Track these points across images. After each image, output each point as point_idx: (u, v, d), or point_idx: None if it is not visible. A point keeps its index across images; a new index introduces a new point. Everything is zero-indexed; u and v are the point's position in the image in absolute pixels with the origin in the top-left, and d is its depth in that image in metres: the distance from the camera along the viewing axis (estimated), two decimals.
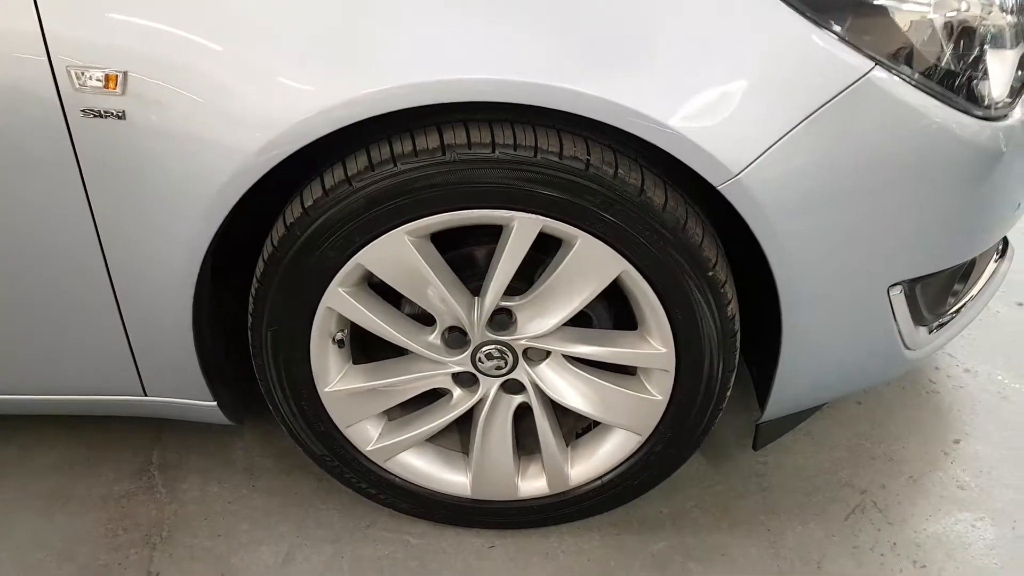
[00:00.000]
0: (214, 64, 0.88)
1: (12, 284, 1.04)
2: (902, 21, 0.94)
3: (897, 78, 0.93)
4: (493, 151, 0.91)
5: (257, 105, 0.88)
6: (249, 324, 1.07)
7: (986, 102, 1.02)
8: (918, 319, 1.16)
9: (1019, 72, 1.09)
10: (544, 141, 0.91)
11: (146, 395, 1.16)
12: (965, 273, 1.26)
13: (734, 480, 1.35)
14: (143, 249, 0.99)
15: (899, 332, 1.13)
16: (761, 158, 0.90)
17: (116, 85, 0.88)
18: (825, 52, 0.90)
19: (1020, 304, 1.76)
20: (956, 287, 1.26)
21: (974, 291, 1.29)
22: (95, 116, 0.89)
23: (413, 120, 0.91)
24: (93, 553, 1.26)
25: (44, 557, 1.25)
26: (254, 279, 1.03)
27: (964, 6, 0.98)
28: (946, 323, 1.23)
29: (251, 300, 1.05)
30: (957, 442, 1.44)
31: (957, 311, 1.24)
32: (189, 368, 1.11)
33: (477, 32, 0.86)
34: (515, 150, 0.91)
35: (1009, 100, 1.06)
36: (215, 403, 1.16)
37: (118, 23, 0.88)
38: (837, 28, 0.90)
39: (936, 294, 1.19)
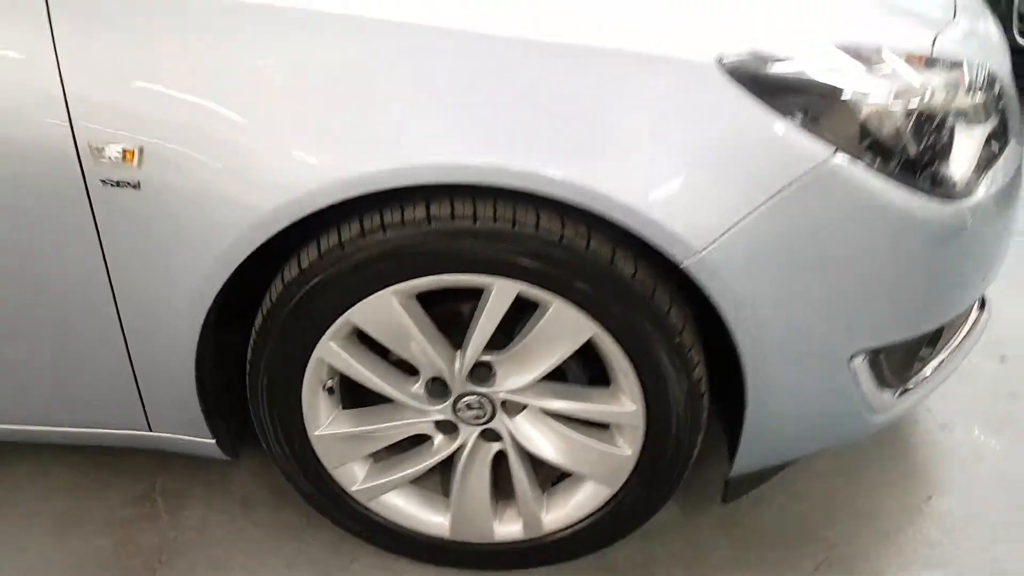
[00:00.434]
0: (227, 137, 0.96)
1: (32, 328, 1.12)
2: (862, 111, 1.00)
3: (857, 165, 0.99)
4: (474, 223, 0.98)
5: (266, 177, 0.96)
6: (247, 371, 1.15)
7: (949, 184, 1.08)
8: (883, 384, 1.22)
9: (986, 147, 1.16)
10: (522, 215, 0.98)
11: (151, 430, 1.24)
12: (934, 338, 1.31)
13: (707, 531, 1.41)
14: (152, 300, 1.07)
15: (863, 397, 1.19)
16: (722, 238, 0.97)
17: (133, 159, 0.96)
18: (785, 139, 0.96)
19: (1002, 358, 1.80)
20: (923, 352, 1.31)
21: (944, 354, 1.35)
22: (112, 186, 0.98)
23: (404, 191, 0.99)
24: (101, 562, 1.34)
25: (57, 563, 1.34)
26: (253, 331, 1.11)
27: (927, 95, 1.05)
28: (913, 388, 1.29)
29: (250, 349, 1.12)
30: (930, 498, 1.49)
31: (925, 375, 1.30)
32: (191, 408, 1.19)
33: (460, 122, 0.94)
34: (495, 222, 0.98)
35: (975, 176, 1.12)
36: (214, 441, 1.24)
37: (136, 95, 0.97)
38: (798, 116, 0.97)
39: (902, 360, 1.24)
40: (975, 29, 1.24)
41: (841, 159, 0.98)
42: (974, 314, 1.41)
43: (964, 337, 1.38)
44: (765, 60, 0.97)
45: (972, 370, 1.73)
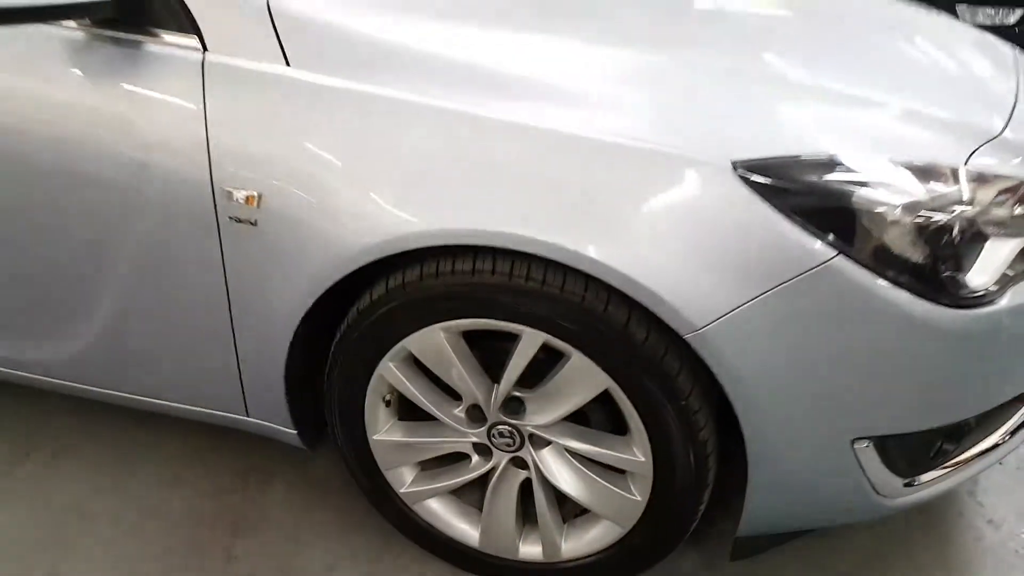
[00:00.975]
0: (326, 191, 1.18)
1: (167, 323, 1.40)
2: (866, 217, 1.09)
3: (858, 267, 1.09)
4: (510, 279, 1.16)
5: (356, 226, 1.18)
6: (325, 378, 1.37)
7: (961, 292, 1.14)
8: (896, 471, 1.28)
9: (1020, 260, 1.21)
10: (551, 277, 1.14)
11: (248, 416, 1.50)
12: (955, 432, 1.35)
13: None
14: (256, 312, 1.32)
15: (869, 481, 1.26)
16: (722, 319, 1.09)
17: (254, 203, 1.21)
18: (787, 238, 1.08)
19: None
20: (947, 445, 1.35)
21: (974, 450, 1.38)
22: (237, 222, 1.23)
23: (458, 247, 1.18)
24: (194, 529, 1.61)
25: (160, 524, 1.62)
26: (332, 346, 1.34)
27: (936, 207, 1.12)
28: (928, 482, 1.33)
29: (328, 361, 1.35)
30: None
31: (938, 476, 1.34)
32: (279, 401, 1.43)
33: (509, 198, 1.12)
34: (527, 281, 1.15)
35: (997, 287, 1.18)
36: (295, 431, 1.48)
37: (260, 154, 1.21)
38: (802, 218, 1.08)
39: (917, 450, 1.30)
40: (1020, 139, 1.28)
41: (841, 261, 1.08)
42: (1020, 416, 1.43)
43: (1003, 435, 1.41)
44: (776, 166, 1.09)
45: None
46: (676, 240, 1.09)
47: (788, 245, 1.08)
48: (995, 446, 1.39)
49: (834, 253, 1.08)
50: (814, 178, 1.10)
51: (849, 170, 1.11)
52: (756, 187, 1.08)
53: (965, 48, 1.66)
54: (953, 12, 3.71)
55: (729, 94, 1.23)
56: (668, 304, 1.09)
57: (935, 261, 1.13)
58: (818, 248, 1.08)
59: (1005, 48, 1.69)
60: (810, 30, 1.61)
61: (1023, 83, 1.49)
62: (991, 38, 1.77)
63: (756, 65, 1.35)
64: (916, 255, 1.11)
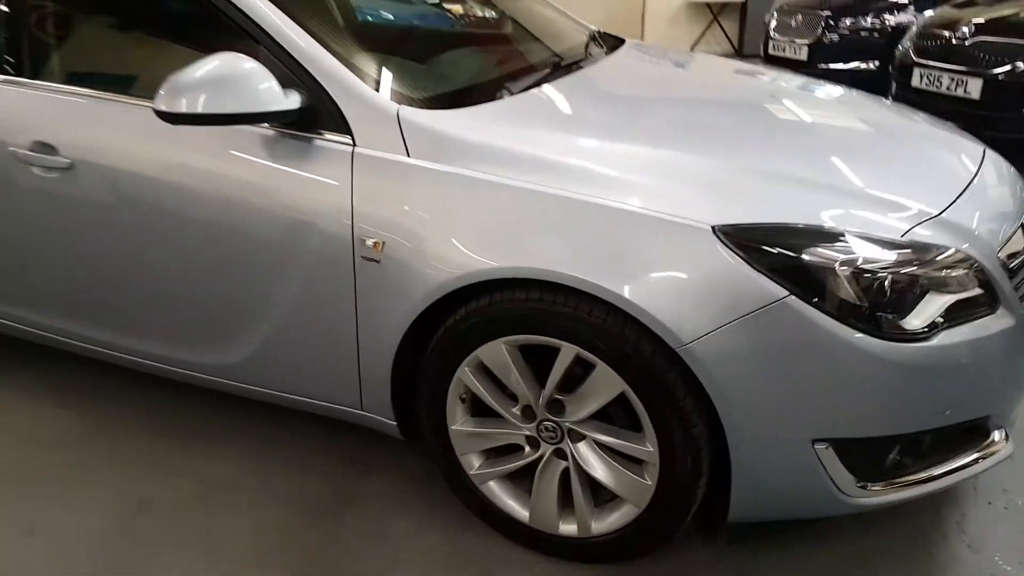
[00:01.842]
0: (424, 239, 1.69)
1: (310, 333, 1.92)
2: (814, 268, 1.50)
3: (807, 306, 1.49)
4: (553, 305, 1.61)
5: (444, 263, 1.67)
6: (419, 381, 1.85)
7: (893, 329, 1.51)
8: (858, 473, 1.62)
9: (954, 309, 1.57)
10: (584, 305, 1.58)
11: (362, 410, 1.98)
12: (914, 447, 1.67)
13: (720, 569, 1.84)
14: (375, 326, 1.81)
15: (831, 479, 1.61)
16: (703, 337, 1.50)
17: (380, 248, 1.73)
18: (751, 280, 1.49)
19: None
20: (906, 459, 1.68)
21: (934, 471, 1.70)
22: (367, 260, 1.75)
23: (518, 280, 1.65)
24: (314, 501, 2.09)
25: (288, 496, 2.10)
26: (426, 355, 1.81)
27: (871, 267, 1.51)
28: (893, 486, 1.66)
29: (422, 366, 1.83)
30: None
31: (904, 483, 1.66)
32: (385, 398, 1.91)
33: (557, 246, 1.58)
34: (565, 307, 1.60)
35: (927, 330, 1.54)
36: (395, 423, 1.95)
37: (399, 213, 1.73)
38: (764, 267, 1.49)
39: (874, 456, 1.64)
40: (962, 220, 1.65)
41: (793, 300, 1.48)
42: (988, 443, 1.75)
43: (966, 460, 1.72)
44: (743, 229, 1.52)
45: (1016, 504, 1.98)
46: (673, 280, 1.53)
47: (751, 287, 1.49)
48: (949, 472, 1.71)
49: (786, 294, 1.48)
50: (772, 238, 1.51)
51: (802, 233, 1.52)
52: (728, 244, 1.51)
53: (937, 146, 2.06)
54: None
55: (730, 182, 1.67)
56: (664, 325, 1.51)
57: (870, 304, 1.51)
58: (773, 289, 1.49)
59: (974, 146, 2.06)
60: (809, 135, 2.04)
61: (980, 176, 1.87)
62: (964, 138, 2.14)
63: (761, 163, 1.78)
64: (852, 298, 1.50)
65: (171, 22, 2.20)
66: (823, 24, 6.90)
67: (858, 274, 1.51)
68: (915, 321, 1.55)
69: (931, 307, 1.57)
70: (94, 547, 1.96)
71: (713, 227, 1.52)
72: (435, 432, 1.88)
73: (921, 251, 1.57)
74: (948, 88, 4.78)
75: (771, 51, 7.47)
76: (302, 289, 1.87)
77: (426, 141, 1.73)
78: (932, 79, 4.89)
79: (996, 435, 1.77)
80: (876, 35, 6.64)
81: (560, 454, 1.79)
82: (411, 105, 1.80)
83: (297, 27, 1.83)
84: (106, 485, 2.17)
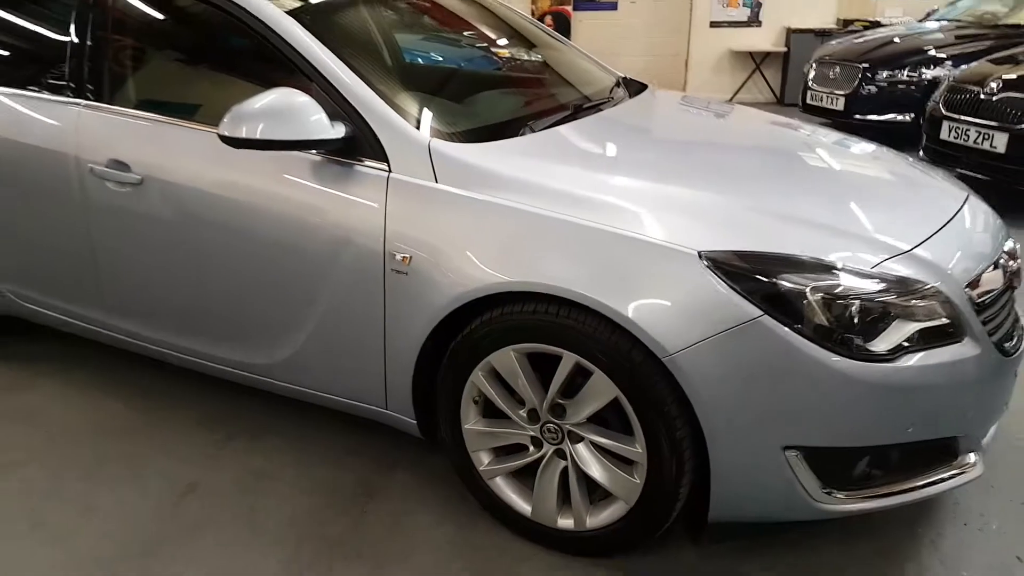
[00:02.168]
0: (445, 255, 1.92)
1: (340, 338, 2.15)
2: (786, 292, 1.68)
3: (779, 325, 1.67)
4: (556, 317, 1.81)
5: (461, 277, 1.90)
6: (437, 384, 2.06)
7: (860, 351, 1.69)
8: (827, 481, 1.78)
9: (921, 337, 1.74)
10: (581, 317, 1.79)
11: (387, 409, 2.20)
12: (881, 460, 1.83)
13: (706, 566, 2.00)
14: (400, 331, 2.04)
15: (802, 485, 1.77)
16: (686, 349, 1.69)
17: (407, 262, 1.96)
18: (730, 301, 1.68)
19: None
20: (874, 471, 1.83)
21: (902, 486, 1.85)
22: (396, 272, 1.99)
23: (526, 293, 1.86)
24: (341, 492, 2.30)
25: (319, 487, 2.32)
26: (444, 359, 2.03)
27: (839, 294, 1.69)
28: (862, 496, 1.81)
29: (441, 369, 2.04)
30: None
31: (873, 495, 1.82)
32: (407, 399, 2.13)
33: (561, 265, 1.79)
34: (567, 319, 1.80)
35: (891, 353, 1.71)
36: (415, 422, 2.16)
37: (411, 233, 1.97)
38: (740, 288, 1.69)
39: (841, 465, 1.79)
40: (932, 256, 1.82)
41: (766, 320, 1.67)
42: (956, 464, 1.89)
43: (926, 483, 1.87)
44: (724, 255, 1.71)
45: (990, 528, 2.10)
46: (662, 297, 1.73)
47: (730, 306, 1.69)
48: (916, 488, 1.86)
49: (760, 314, 1.67)
50: (749, 264, 1.71)
51: (777, 260, 1.71)
52: (711, 268, 1.70)
53: (920, 191, 2.24)
54: None
55: (721, 215, 1.87)
56: (651, 337, 1.71)
57: (839, 327, 1.69)
58: (749, 309, 1.68)
59: (958, 192, 2.23)
60: (802, 177, 2.24)
61: (957, 218, 2.04)
62: (951, 185, 2.32)
63: (752, 199, 1.98)
64: (822, 321, 1.68)
65: (234, 58, 2.50)
66: (860, 76, 7.07)
67: (828, 299, 1.69)
68: (881, 344, 1.72)
69: (897, 333, 1.74)
70: (146, 523, 2.20)
71: (699, 252, 1.72)
72: (451, 430, 2.09)
73: (888, 282, 1.75)
74: (975, 141, 4.91)
75: (809, 101, 7.66)
76: (338, 297, 2.10)
77: (452, 169, 1.97)
78: (960, 132, 5.03)
79: (966, 457, 1.92)
80: (912, 88, 6.79)
81: (560, 454, 1.98)
82: (442, 138, 2.04)
83: (344, 67, 2.10)
84: (158, 471, 2.41)
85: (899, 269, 1.78)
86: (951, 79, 5.38)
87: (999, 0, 7.69)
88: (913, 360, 1.73)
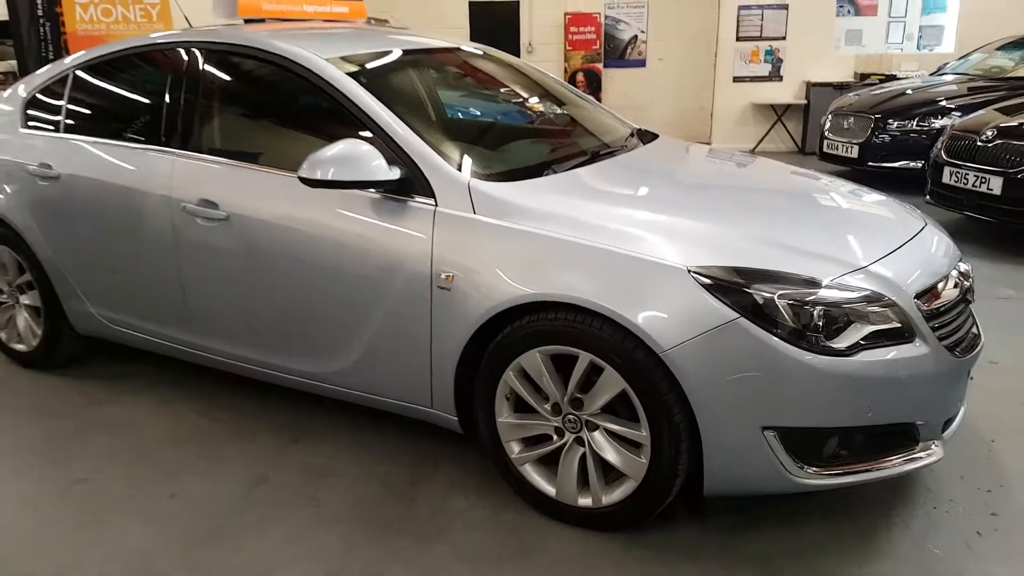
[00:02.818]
0: (480, 273, 2.33)
1: (393, 350, 2.55)
2: (758, 298, 2.06)
3: (752, 325, 2.04)
4: (573, 323, 2.20)
5: (494, 291, 2.30)
6: (475, 384, 2.45)
7: (822, 347, 2.05)
8: (800, 457, 2.13)
9: (874, 337, 2.09)
10: (596, 322, 2.17)
11: (432, 408, 2.59)
12: (846, 441, 2.16)
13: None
14: (443, 338, 2.43)
15: (780, 461, 2.11)
16: (678, 346, 2.07)
17: (450, 280, 2.37)
18: (712, 306, 2.06)
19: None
20: (842, 451, 2.17)
21: (865, 467, 2.18)
22: (441, 289, 2.39)
23: (549, 303, 2.25)
24: (390, 482, 2.68)
25: (370, 477, 2.70)
26: (481, 362, 2.42)
27: (802, 300, 2.06)
28: (832, 473, 2.15)
29: (479, 371, 2.43)
30: (862, 566, 2.22)
31: (843, 472, 2.16)
32: (450, 398, 2.51)
33: (578, 278, 2.19)
34: (583, 325, 2.19)
35: (851, 350, 2.07)
36: (456, 418, 2.54)
37: (452, 257, 2.38)
38: (721, 295, 2.06)
39: (813, 444, 2.14)
40: (884, 272, 2.19)
41: (742, 321, 2.04)
42: (919, 449, 2.23)
43: (891, 463, 2.20)
44: (707, 270, 2.10)
45: (957, 511, 2.41)
46: (660, 304, 2.11)
47: (712, 310, 2.06)
48: (879, 467, 2.20)
49: (737, 316, 2.04)
50: (729, 276, 2.09)
51: (751, 273, 2.09)
52: (698, 280, 2.09)
53: (882, 221, 2.62)
54: None
55: (711, 239, 2.25)
56: (651, 336, 2.09)
57: (803, 327, 2.05)
58: (728, 312, 2.05)
59: (917, 222, 2.61)
60: (782, 209, 2.62)
61: (911, 242, 2.41)
62: (911, 216, 2.69)
63: (739, 228, 2.37)
64: (788, 322, 2.05)
65: (304, 113, 2.98)
66: (872, 126, 7.46)
67: (795, 305, 2.06)
68: (841, 342, 2.08)
69: (855, 333, 2.10)
70: (222, 509, 2.59)
71: (687, 268, 2.11)
72: (487, 424, 2.47)
73: (845, 291, 2.12)
74: (973, 185, 5.25)
75: (826, 149, 8.05)
76: (392, 312, 2.51)
77: (488, 203, 2.39)
78: (960, 177, 5.37)
79: (926, 444, 2.26)
80: (923, 137, 7.14)
81: (579, 441, 2.34)
82: (479, 178, 2.47)
83: (399, 120, 2.55)
84: (231, 467, 2.81)
85: (855, 281, 2.15)
86: (951, 128, 5.75)
87: (1006, 55, 8.08)
88: (869, 356, 2.09)
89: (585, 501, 2.37)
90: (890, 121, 7.37)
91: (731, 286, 2.08)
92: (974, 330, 2.47)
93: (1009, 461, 2.74)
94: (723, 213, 2.48)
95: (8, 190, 3.40)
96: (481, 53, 3.65)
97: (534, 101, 3.60)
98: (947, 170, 5.51)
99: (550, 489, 2.42)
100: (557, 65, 12.01)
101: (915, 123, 7.25)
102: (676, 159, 3.28)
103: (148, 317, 3.16)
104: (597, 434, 2.31)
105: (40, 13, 7.56)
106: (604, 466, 2.33)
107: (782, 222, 2.46)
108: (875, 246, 2.34)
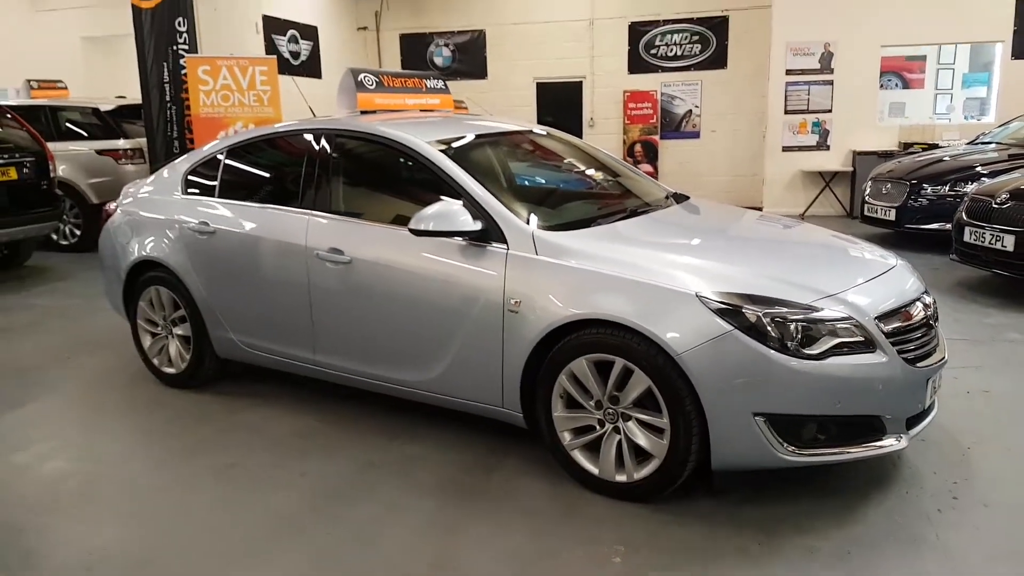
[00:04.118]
0: (535, 298, 3.08)
1: (473, 361, 3.31)
2: (748, 315, 2.75)
3: (743, 335, 2.74)
4: (610, 337, 2.93)
5: (547, 312, 3.05)
6: (537, 386, 3.18)
7: (798, 352, 2.73)
8: (786, 438, 2.78)
9: (839, 347, 2.77)
10: (626, 334, 2.90)
11: (503, 407, 3.32)
12: (823, 429, 2.81)
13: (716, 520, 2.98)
14: (513, 348, 3.18)
15: (767, 441, 2.77)
16: (688, 351, 2.77)
17: (518, 304, 3.14)
18: (714, 320, 2.77)
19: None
20: (820, 435, 2.81)
21: (839, 449, 2.82)
22: (510, 312, 3.16)
23: (592, 320, 2.99)
24: (472, 467, 3.41)
25: (450, 465, 3.44)
26: (541, 369, 3.15)
27: (784, 318, 2.75)
28: (813, 452, 2.79)
29: (539, 376, 3.16)
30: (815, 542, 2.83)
31: (822, 452, 2.80)
32: (516, 398, 3.24)
33: (610, 299, 2.94)
34: (619, 337, 2.91)
35: (821, 353, 2.74)
36: (521, 415, 3.27)
37: (519, 288, 3.15)
38: (720, 313, 2.77)
39: (795, 427, 2.79)
40: (851, 298, 2.86)
41: (736, 332, 2.74)
42: (884, 439, 2.86)
43: (860, 447, 2.84)
44: (712, 297, 2.81)
45: (925, 496, 2.99)
46: (675, 320, 2.83)
47: (713, 323, 2.77)
48: (850, 451, 2.84)
49: (732, 328, 2.75)
50: (726, 299, 2.80)
51: (743, 297, 2.80)
52: (703, 301, 2.80)
53: (863, 262, 3.30)
54: None
55: (717, 272, 2.97)
56: (669, 344, 2.80)
57: (783, 338, 2.74)
58: (724, 325, 2.75)
59: (888, 261, 3.28)
60: (782, 253, 3.33)
61: (880, 277, 3.08)
62: (887, 256, 3.36)
63: (740, 264, 3.08)
64: (771, 334, 2.74)
65: (407, 180, 3.84)
66: (908, 191, 8.04)
67: (777, 321, 2.75)
68: (814, 350, 2.76)
69: (825, 343, 2.78)
70: (342, 482, 3.35)
71: (696, 293, 2.83)
72: (545, 418, 3.19)
73: (813, 311, 2.80)
74: (989, 243, 5.80)
75: (867, 213, 8.63)
76: (472, 331, 3.28)
77: (547, 247, 3.17)
78: (978, 235, 5.93)
79: (891, 436, 2.88)
80: (956, 200, 7.67)
81: (616, 430, 3.04)
82: (542, 229, 3.25)
83: (482, 187, 3.37)
84: (345, 455, 3.58)
85: (826, 304, 2.83)
86: (972, 193, 6.32)
87: None
88: (837, 360, 2.76)
89: (621, 477, 3.05)
90: (925, 186, 7.94)
91: (728, 307, 2.79)
92: (937, 348, 3.10)
93: (978, 463, 3.32)
94: (727, 253, 3.21)
95: (171, 243, 4.34)
96: (545, 133, 4.50)
97: (587, 170, 4.41)
98: (967, 230, 6.07)
99: (593, 469, 3.11)
100: (617, 138, 12.94)
101: (948, 188, 7.79)
102: (697, 215, 4.02)
103: (280, 341, 4.00)
104: (631, 423, 3.01)
105: (168, 98, 8.86)
106: (635, 449, 3.02)
107: (773, 260, 3.18)
108: (848, 279, 3.03)
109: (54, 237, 8.92)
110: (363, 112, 4.45)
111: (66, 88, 10.69)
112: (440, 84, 5.09)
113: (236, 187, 4.26)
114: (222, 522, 3.07)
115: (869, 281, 3.05)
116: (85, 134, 9.16)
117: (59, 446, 3.80)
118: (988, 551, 2.70)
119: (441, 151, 3.57)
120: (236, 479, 3.41)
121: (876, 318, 2.87)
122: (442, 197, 3.40)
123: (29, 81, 10.38)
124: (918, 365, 2.94)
